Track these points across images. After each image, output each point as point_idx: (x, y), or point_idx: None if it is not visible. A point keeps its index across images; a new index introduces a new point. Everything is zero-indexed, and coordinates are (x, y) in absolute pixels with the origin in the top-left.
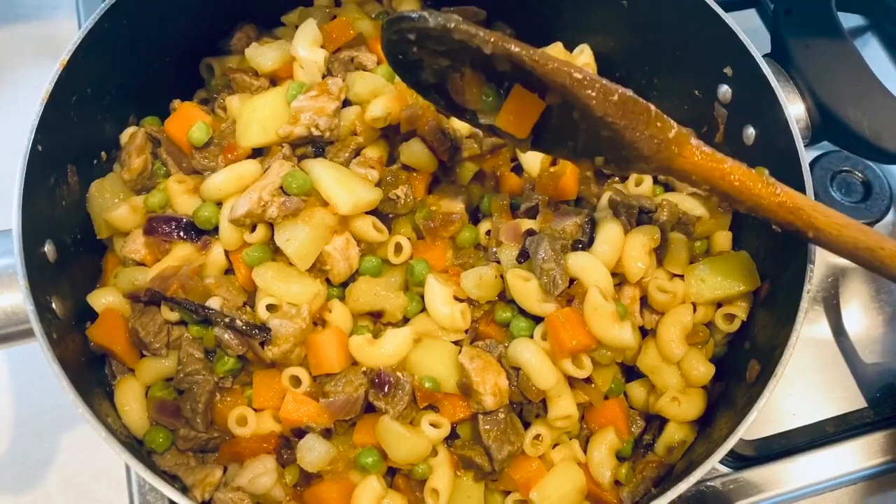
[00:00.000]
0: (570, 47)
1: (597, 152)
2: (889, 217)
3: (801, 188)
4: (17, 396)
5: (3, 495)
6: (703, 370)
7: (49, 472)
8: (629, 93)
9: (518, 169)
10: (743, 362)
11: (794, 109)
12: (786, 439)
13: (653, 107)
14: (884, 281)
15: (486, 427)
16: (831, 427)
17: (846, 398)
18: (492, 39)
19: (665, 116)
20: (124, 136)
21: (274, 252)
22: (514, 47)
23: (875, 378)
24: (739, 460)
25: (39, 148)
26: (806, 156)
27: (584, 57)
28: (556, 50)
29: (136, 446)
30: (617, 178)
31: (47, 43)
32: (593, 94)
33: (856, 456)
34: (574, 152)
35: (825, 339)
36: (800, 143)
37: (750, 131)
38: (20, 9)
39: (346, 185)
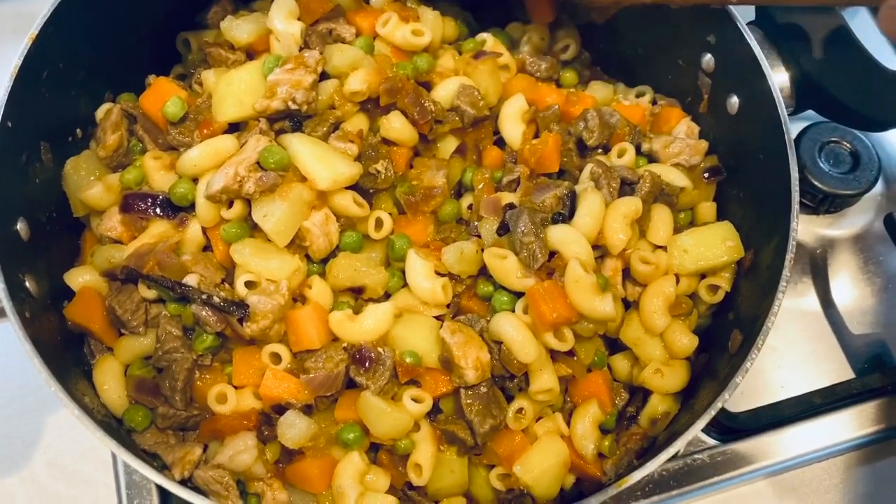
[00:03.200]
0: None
1: None
2: (878, 188)
3: (784, 158)
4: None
5: None
6: (686, 342)
7: (34, 454)
8: None
9: (501, 142)
10: (726, 333)
11: (779, 78)
12: (774, 411)
13: None
14: (872, 252)
15: (469, 401)
16: (819, 398)
17: (834, 370)
18: None
19: None
20: (99, 113)
21: (252, 228)
22: None
23: (863, 349)
24: (727, 433)
25: (9, 124)
26: (790, 125)
27: (567, 28)
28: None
29: (114, 425)
30: (599, 150)
31: (24, 21)
32: None
33: (844, 427)
34: None
35: (813, 311)
36: (784, 112)
37: (734, 100)
38: None
39: (324, 160)
